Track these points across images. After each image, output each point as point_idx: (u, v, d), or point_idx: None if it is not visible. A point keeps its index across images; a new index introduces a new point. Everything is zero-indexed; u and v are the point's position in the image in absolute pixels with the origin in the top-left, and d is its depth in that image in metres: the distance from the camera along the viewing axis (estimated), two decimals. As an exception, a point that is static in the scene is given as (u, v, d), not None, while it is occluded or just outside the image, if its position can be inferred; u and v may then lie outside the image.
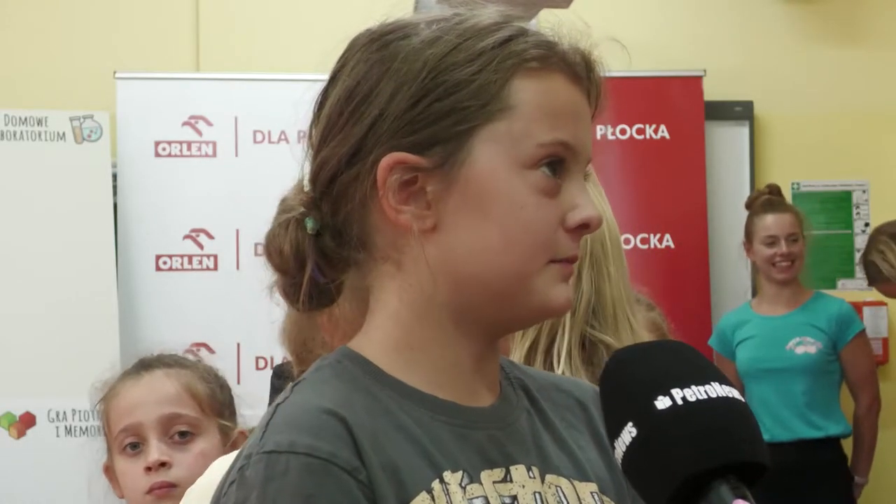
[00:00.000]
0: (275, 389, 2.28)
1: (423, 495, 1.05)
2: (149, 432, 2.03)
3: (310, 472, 1.02)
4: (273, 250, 1.16)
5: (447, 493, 1.06)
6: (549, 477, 1.13)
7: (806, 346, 4.59)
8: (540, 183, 1.09)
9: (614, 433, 0.99)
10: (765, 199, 4.78)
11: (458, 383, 1.13)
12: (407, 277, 1.12)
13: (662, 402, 0.96)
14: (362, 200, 1.11)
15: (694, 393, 0.97)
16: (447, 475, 1.07)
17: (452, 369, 1.12)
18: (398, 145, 1.09)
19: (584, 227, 1.11)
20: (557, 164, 1.10)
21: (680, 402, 0.96)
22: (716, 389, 0.98)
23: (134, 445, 2.04)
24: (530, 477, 1.11)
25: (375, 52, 1.12)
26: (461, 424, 1.11)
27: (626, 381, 1.01)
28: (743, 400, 1.00)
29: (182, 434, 2.03)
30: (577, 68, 1.14)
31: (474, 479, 1.08)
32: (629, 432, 0.97)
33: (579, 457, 1.17)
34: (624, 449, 0.97)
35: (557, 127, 1.11)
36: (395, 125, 1.09)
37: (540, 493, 1.11)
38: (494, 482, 1.09)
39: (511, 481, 1.10)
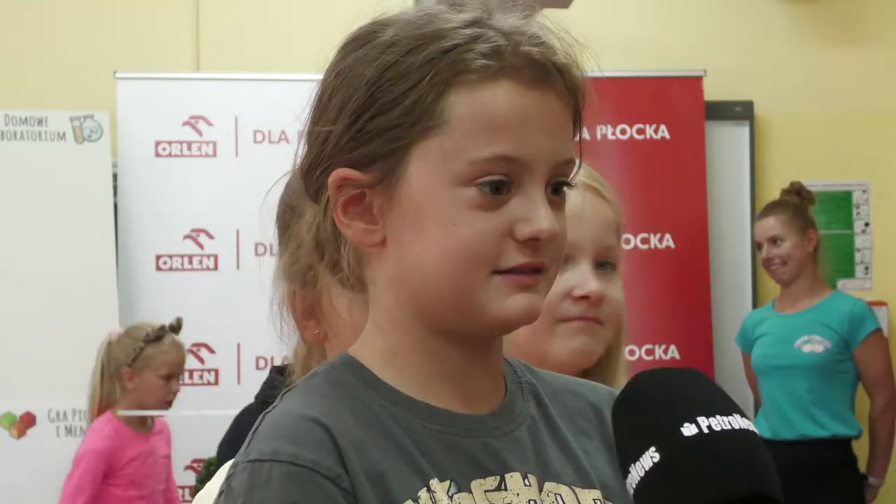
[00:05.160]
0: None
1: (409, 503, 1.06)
2: None
3: (293, 479, 1.03)
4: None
5: (434, 502, 1.06)
6: (548, 485, 1.12)
7: (813, 345, 4.59)
8: (475, 199, 1.07)
9: (632, 457, 0.98)
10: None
11: (450, 390, 1.12)
12: (375, 288, 1.14)
13: (689, 430, 0.97)
14: (325, 213, 1.13)
15: (719, 423, 0.98)
16: (434, 483, 1.07)
17: (440, 376, 1.12)
18: (344, 161, 1.11)
19: (535, 239, 1.09)
20: (500, 179, 1.08)
21: (706, 430, 0.97)
22: (738, 421, 0.99)
23: None
24: (526, 485, 1.11)
25: (339, 60, 1.13)
26: (453, 433, 1.10)
27: (648, 406, 1.00)
28: (758, 433, 1.01)
29: None
30: (535, 72, 1.09)
31: (463, 488, 1.08)
32: (650, 457, 0.97)
33: (584, 463, 1.16)
34: (642, 473, 0.97)
35: (496, 140, 1.07)
36: (341, 141, 1.11)
37: (535, 500, 1.11)
38: (486, 491, 1.09)
39: (505, 490, 1.10)
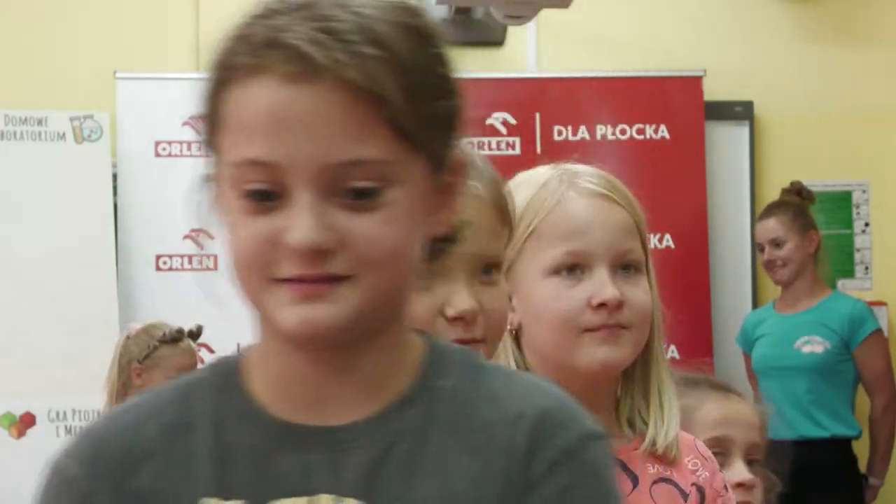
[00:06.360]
0: None
1: None
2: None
3: (58, 489, 1.07)
4: None
5: None
6: None
7: (813, 346, 4.59)
8: (244, 205, 1.02)
9: None
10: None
11: (302, 398, 1.07)
12: None
13: None
14: None
15: None
16: (210, 501, 1.04)
17: (293, 382, 1.07)
18: None
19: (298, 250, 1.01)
20: (261, 188, 1.02)
21: None
22: None
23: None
24: None
25: None
26: (277, 446, 1.05)
27: None
28: None
29: None
30: (300, 66, 1.00)
31: None
32: None
33: (433, 493, 1.04)
34: None
35: (247, 143, 1.02)
36: None
37: None
38: None
39: None
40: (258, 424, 1.07)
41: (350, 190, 1.01)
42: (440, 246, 1.16)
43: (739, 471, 2.07)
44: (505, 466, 1.03)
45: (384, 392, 1.07)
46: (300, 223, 1.00)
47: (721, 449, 2.07)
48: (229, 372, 1.11)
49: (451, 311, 1.33)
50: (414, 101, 1.02)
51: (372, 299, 1.02)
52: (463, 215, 1.19)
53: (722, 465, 2.02)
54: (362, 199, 1.01)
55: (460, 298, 1.34)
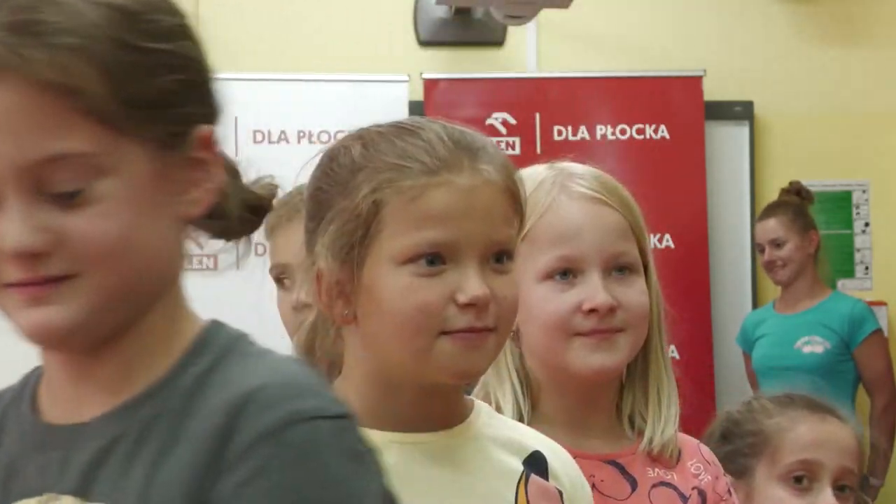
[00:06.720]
0: None
1: None
2: None
3: None
4: None
5: None
6: None
7: (813, 346, 4.59)
8: None
9: None
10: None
11: (60, 398, 1.07)
12: None
13: None
14: None
15: None
16: None
17: (55, 383, 1.07)
18: None
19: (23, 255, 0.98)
20: None
21: None
22: None
23: None
24: None
25: None
26: (31, 448, 1.06)
27: None
28: None
29: None
30: None
31: None
32: None
33: (133, 484, 1.00)
34: None
35: None
36: None
37: None
38: None
39: None
40: (25, 428, 1.07)
41: (58, 194, 0.98)
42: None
43: (826, 497, 2.01)
44: (206, 452, 0.98)
45: (136, 385, 1.04)
46: (10, 227, 0.97)
47: (808, 473, 2.04)
48: (32, 378, 1.12)
49: (462, 298, 1.29)
50: (119, 86, 0.98)
51: (106, 295, 1.00)
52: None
53: (809, 490, 2.01)
54: (72, 195, 0.98)
55: (472, 284, 1.30)
